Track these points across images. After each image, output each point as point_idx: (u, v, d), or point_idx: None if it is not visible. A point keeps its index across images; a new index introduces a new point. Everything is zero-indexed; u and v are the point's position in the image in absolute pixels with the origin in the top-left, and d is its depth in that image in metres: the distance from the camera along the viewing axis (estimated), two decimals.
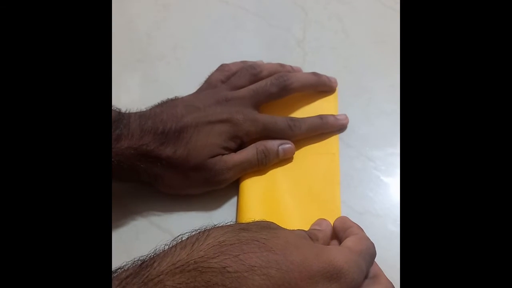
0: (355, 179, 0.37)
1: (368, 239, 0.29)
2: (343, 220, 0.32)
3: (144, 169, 0.32)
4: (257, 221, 0.26)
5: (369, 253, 0.27)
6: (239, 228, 0.23)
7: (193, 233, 0.22)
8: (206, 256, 0.20)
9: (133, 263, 0.21)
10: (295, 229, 0.29)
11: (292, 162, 0.38)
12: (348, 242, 0.28)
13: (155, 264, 0.20)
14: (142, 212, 0.37)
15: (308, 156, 0.38)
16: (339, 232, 0.31)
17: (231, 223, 0.26)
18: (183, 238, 0.22)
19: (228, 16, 0.50)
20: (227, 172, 0.34)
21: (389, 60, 0.43)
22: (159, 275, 0.20)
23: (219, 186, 0.35)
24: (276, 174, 0.37)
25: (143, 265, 0.21)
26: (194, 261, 0.20)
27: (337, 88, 0.42)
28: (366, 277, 0.27)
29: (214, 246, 0.21)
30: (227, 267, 0.20)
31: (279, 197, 0.36)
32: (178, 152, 0.33)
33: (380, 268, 0.28)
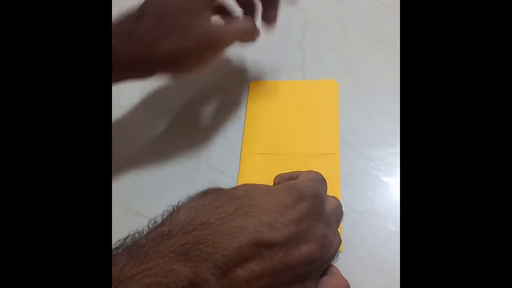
0: (355, 179, 0.37)
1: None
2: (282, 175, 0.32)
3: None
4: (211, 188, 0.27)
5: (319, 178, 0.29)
6: (202, 193, 0.26)
7: (162, 213, 0.24)
8: (187, 220, 0.22)
9: (122, 244, 0.22)
10: None
11: (292, 162, 0.38)
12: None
13: (143, 241, 0.22)
14: (142, 211, 0.37)
15: (308, 156, 0.38)
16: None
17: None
18: (155, 221, 0.24)
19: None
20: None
21: (389, 60, 0.43)
22: (149, 248, 0.21)
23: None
24: (276, 173, 0.37)
25: (133, 250, 0.21)
26: (178, 228, 0.22)
27: (337, 88, 0.42)
28: (324, 274, 0.27)
29: (188, 211, 0.23)
30: (209, 220, 0.22)
31: None
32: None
33: (338, 270, 0.28)
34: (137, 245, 0.21)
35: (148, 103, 0.44)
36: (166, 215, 0.23)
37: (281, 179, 0.32)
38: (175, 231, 0.22)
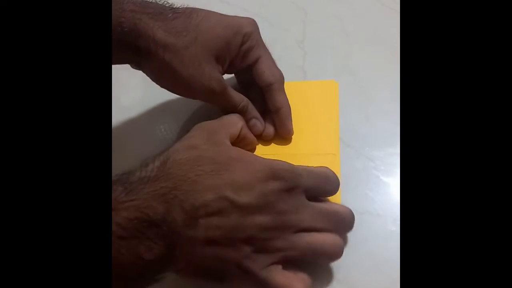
0: (355, 179, 0.37)
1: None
2: None
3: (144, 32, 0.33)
4: (204, 135, 0.31)
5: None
6: (190, 147, 0.29)
7: (156, 159, 0.28)
8: (170, 170, 0.27)
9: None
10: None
11: (292, 162, 0.38)
12: None
13: (135, 178, 0.26)
14: None
15: (308, 157, 0.38)
16: None
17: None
18: (151, 160, 0.28)
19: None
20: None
21: (389, 60, 0.43)
22: (138, 184, 0.26)
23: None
24: None
25: (126, 183, 0.26)
26: (162, 175, 0.26)
27: (337, 89, 0.42)
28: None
29: (174, 164, 0.27)
30: (187, 174, 0.27)
31: None
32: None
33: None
34: (130, 181, 0.26)
35: (149, 103, 0.44)
36: (158, 160, 0.28)
37: None
38: (160, 176, 0.26)
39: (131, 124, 0.43)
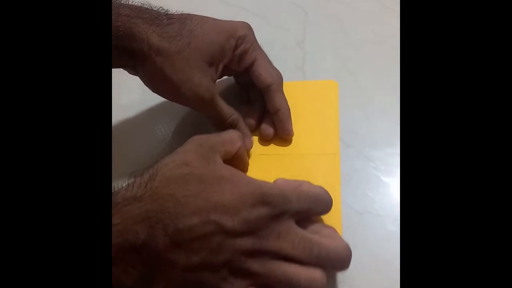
0: (355, 179, 0.37)
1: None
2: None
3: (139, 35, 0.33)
4: (198, 151, 0.29)
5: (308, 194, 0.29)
6: (182, 163, 0.28)
7: (145, 173, 0.27)
8: (158, 188, 0.26)
9: None
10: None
11: (292, 162, 0.38)
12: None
13: (118, 199, 0.25)
14: None
15: (308, 156, 0.38)
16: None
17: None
18: (139, 175, 0.27)
19: (229, 16, 0.50)
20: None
21: (389, 60, 0.43)
22: (122, 206, 0.25)
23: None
24: (276, 173, 0.37)
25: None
26: (149, 194, 0.26)
27: (337, 89, 0.42)
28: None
29: (162, 180, 0.26)
30: (175, 194, 0.26)
31: None
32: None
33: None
34: (114, 202, 0.25)
35: (148, 103, 0.44)
36: (147, 174, 0.27)
37: (286, 184, 0.32)
38: (146, 195, 0.26)
39: (131, 124, 0.43)
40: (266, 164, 0.38)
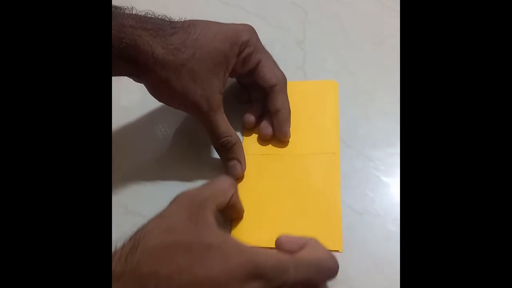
0: (355, 179, 0.37)
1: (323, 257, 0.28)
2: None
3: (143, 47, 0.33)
4: (187, 211, 0.27)
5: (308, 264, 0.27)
6: (167, 229, 0.26)
7: (126, 243, 0.25)
8: (140, 263, 0.24)
9: None
10: (294, 229, 0.29)
11: (292, 162, 0.38)
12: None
13: None
14: (142, 211, 0.37)
15: (309, 156, 0.38)
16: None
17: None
18: (120, 246, 0.25)
19: (229, 16, 0.50)
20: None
21: (389, 60, 0.43)
22: None
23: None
24: (276, 173, 0.37)
25: None
26: (129, 270, 0.23)
27: (337, 88, 0.42)
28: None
29: (145, 253, 0.24)
30: (158, 271, 0.24)
31: (278, 197, 0.36)
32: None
33: None
34: None
35: (149, 104, 0.44)
36: (128, 245, 0.24)
37: (289, 243, 0.29)
38: (126, 273, 0.23)
39: (132, 125, 0.43)
40: (266, 164, 0.38)
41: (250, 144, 0.39)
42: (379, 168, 0.37)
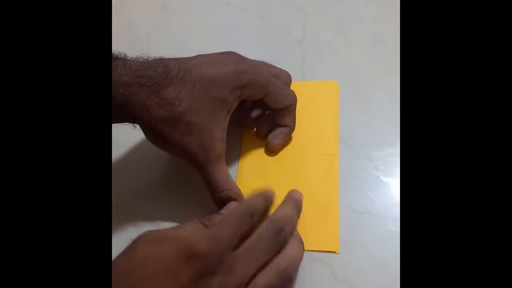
0: (355, 179, 0.37)
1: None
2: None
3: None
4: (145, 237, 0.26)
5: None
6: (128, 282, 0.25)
7: None
8: None
9: None
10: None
11: (291, 162, 0.38)
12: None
13: None
14: (142, 212, 0.37)
15: (307, 157, 0.38)
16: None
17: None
18: None
19: (228, 16, 0.50)
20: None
21: (389, 61, 0.43)
22: None
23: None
24: (275, 174, 0.37)
25: None
26: None
27: (338, 89, 0.42)
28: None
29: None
30: None
31: (278, 197, 0.36)
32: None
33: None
34: None
35: None
36: None
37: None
38: None
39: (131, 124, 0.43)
40: (266, 164, 0.38)
41: (249, 144, 0.39)
42: (379, 168, 0.37)
